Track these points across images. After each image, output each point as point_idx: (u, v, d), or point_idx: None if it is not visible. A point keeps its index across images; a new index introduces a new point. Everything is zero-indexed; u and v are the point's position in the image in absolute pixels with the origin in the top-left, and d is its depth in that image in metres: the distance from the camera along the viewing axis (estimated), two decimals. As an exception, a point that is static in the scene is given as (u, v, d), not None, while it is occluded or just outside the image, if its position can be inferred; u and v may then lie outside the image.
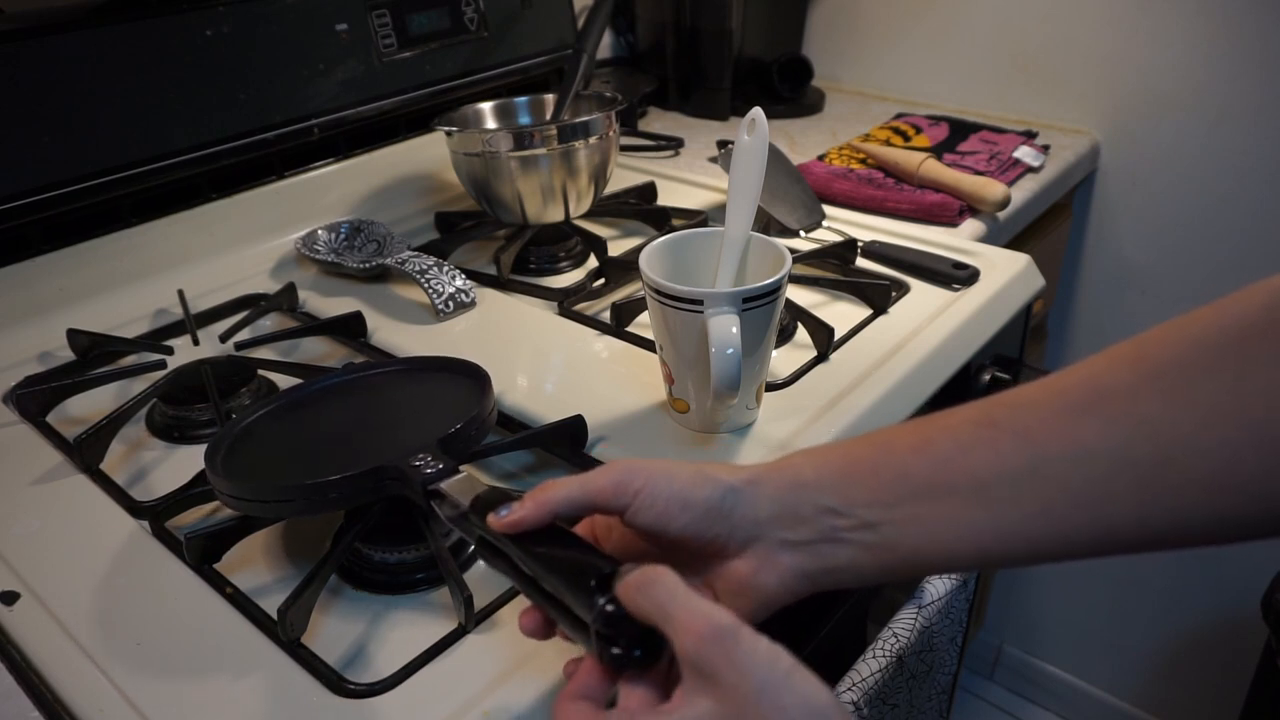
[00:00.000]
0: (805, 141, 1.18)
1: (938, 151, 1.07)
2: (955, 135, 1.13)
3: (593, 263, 0.85)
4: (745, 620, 0.33)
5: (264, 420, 0.56)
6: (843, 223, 0.90)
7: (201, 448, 0.63)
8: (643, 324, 0.73)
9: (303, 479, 0.48)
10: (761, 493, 0.39)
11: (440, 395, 0.57)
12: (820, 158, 1.07)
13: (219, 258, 0.85)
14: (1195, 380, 0.34)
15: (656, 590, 0.34)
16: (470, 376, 0.58)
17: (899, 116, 1.21)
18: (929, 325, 0.72)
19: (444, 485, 0.44)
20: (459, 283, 0.78)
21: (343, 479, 0.47)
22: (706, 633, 0.32)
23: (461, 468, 0.46)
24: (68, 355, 0.73)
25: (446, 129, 0.83)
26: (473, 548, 0.53)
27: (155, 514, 0.55)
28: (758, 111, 0.58)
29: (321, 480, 0.47)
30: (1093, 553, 0.36)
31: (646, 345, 0.71)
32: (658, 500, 0.38)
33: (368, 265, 0.81)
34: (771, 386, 0.65)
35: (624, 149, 1.13)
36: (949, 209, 0.92)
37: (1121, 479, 0.34)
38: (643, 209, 0.92)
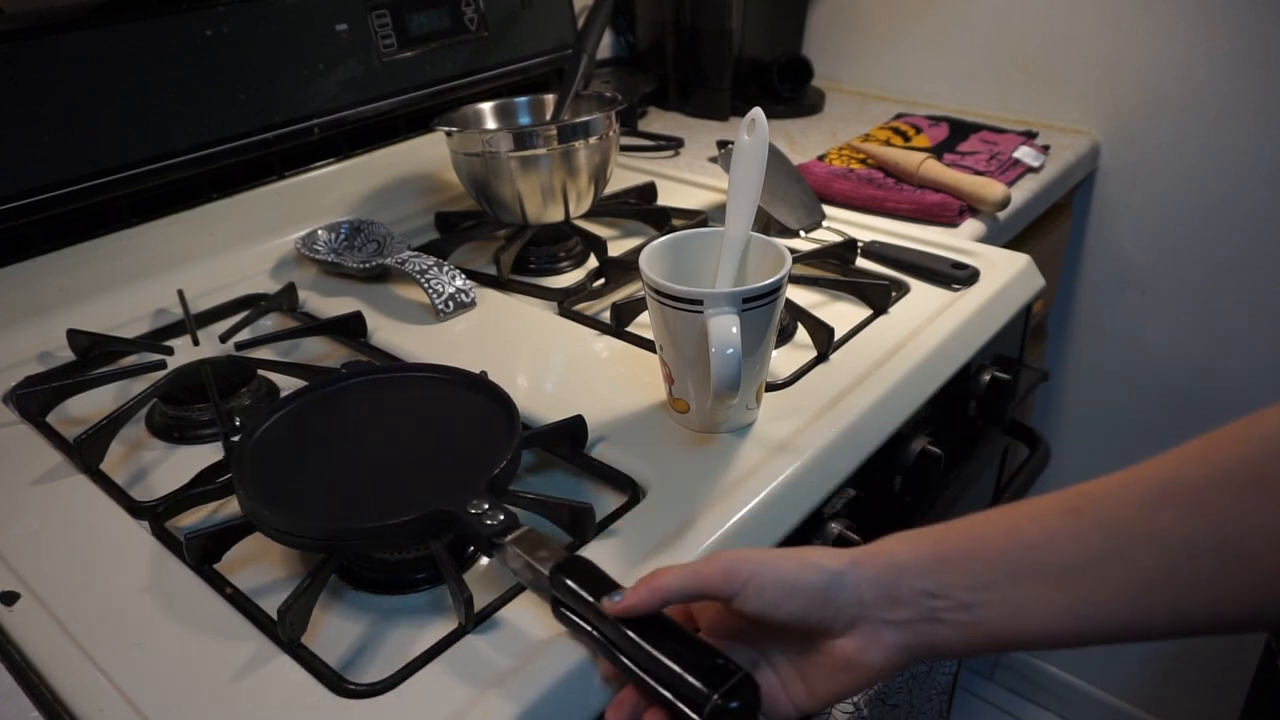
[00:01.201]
0: (805, 141, 1.18)
1: (938, 151, 1.07)
2: (955, 135, 1.13)
3: (593, 263, 0.85)
4: (852, 691, 0.40)
5: (280, 429, 0.55)
6: (843, 223, 0.90)
7: (202, 448, 0.63)
8: (643, 324, 0.73)
9: (354, 518, 0.48)
10: (863, 576, 0.41)
11: (464, 414, 0.56)
12: (820, 158, 1.07)
13: (219, 258, 0.85)
14: (1263, 476, 0.36)
15: None
16: (488, 395, 0.57)
17: (899, 116, 1.21)
18: (929, 325, 0.72)
19: (509, 539, 0.45)
20: (459, 283, 0.78)
21: (400, 524, 0.47)
22: None
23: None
24: (68, 355, 0.73)
25: (446, 129, 0.83)
26: (472, 549, 0.53)
27: (155, 514, 0.55)
28: (758, 111, 0.58)
29: (381, 524, 0.47)
30: (1172, 634, 0.38)
31: (646, 345, 0.71)
32: (766, 589, 0.41)
33: (368, 265, 0.81)
34: (771, 386, 0.65)
35: (624, 149, 1.13)
36: (949, 209, 0.92)
37: (1195, 567, 0.37)
38: (643, 209, 0.92)
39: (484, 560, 0.53)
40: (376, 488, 0.51)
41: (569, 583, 0.43)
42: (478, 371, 0.60)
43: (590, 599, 0.42)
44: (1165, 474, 0.39)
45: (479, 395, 0.58)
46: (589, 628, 0.43)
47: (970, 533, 0.41)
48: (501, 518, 0.47)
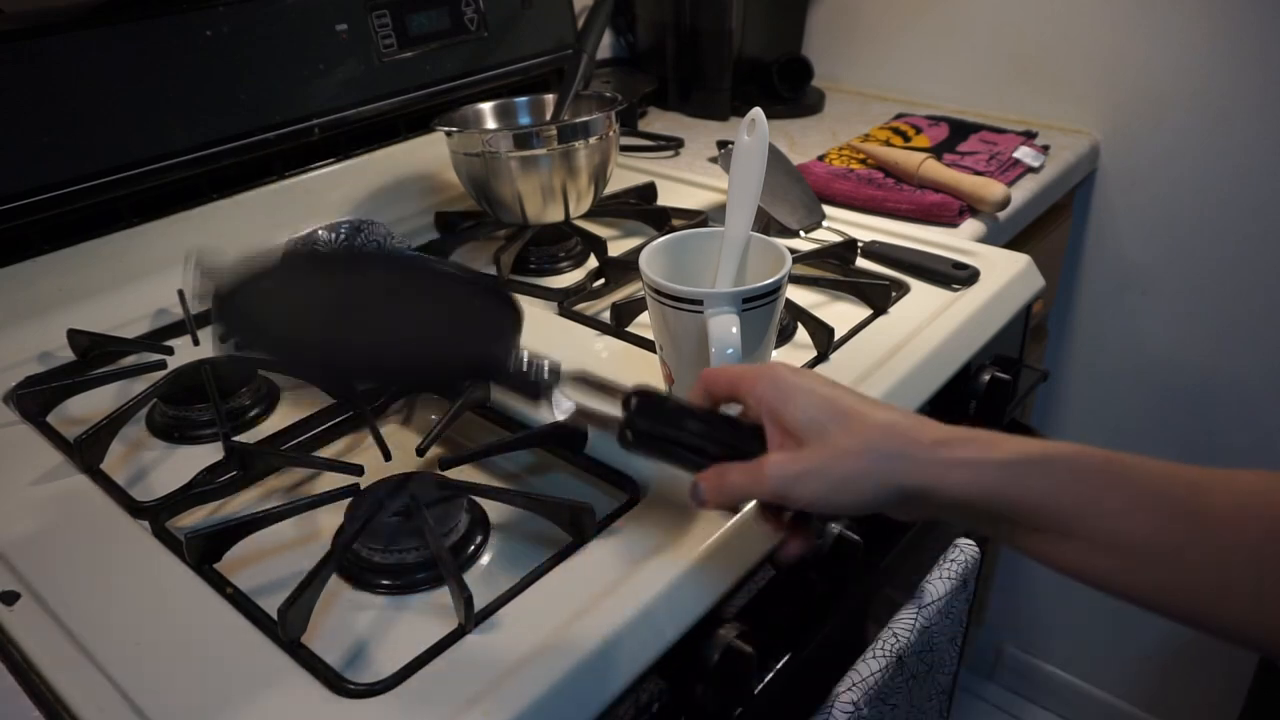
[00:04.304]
0: (805, 141, 1.18)
1: (938, 151, 1.07)
2: (955, 135, 1.13)
3: (593, 263, 0.85)
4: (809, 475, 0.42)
5: (282, 275, 0.52)
6: (843, 223, 0.90)
7: (202, 448, 0.63)
8: (643, 324, 0.73)
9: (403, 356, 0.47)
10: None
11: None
12: (820, 158, 1.07)
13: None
14: None
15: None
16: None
17: (899, 117, 1.21)
18: (929, 325, 0.72)
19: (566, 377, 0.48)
20: (459, 283, 0.78)
21: (447, 363, 0.46)
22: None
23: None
24: (68, 355, 0.73)
25: (446, 129, 0.83)
26: (473, 549, 0.53)
27: (155, 514, 0.55)
28: (758, 112, 0.58)
29: (435, 359, 0.47)
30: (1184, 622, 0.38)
31: (646, 345, 0.71)
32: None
33: (368, 265, 0.81)
34: (771, 386, 0.65)
35: (624, 149, 1.13)
36: (949, 209, 0.92)
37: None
38: (643, 209, 0.92)
39: (484, 560, 0.53)
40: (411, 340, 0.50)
41: (646, 404, 0.46)
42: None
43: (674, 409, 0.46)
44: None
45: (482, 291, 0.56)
46: (666, 441, 0.46)
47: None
48: (547, 362, 0.47)
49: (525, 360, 0.48)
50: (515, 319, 0.51)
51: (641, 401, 0.46)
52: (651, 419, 0.46)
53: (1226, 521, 0.36)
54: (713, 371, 0.47)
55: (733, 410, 0.48)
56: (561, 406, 0.47)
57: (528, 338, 0.73)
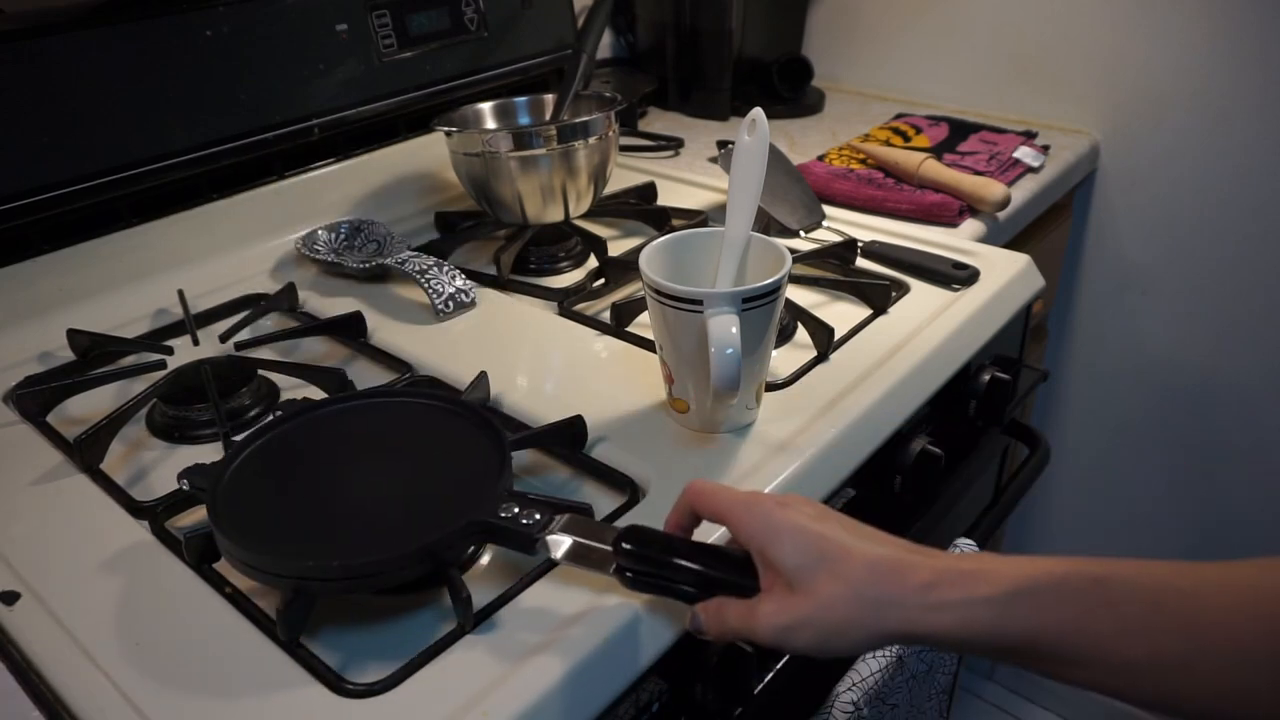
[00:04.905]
0: (805, 141, 1.18)
1: (938, 151, 1.07)
2: (955, 135, 1.13)
3: (593, 263, 0.85)
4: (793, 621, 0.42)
5: (250, 468, 0.53)
6: (843, 223, 0.90)
7: (202, 448, 0.63)
8: (643, 324, 0.73)
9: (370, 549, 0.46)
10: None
11: (448, 442, 0.54)
12: (820, 158, 1.07)
13: (219, 258, 0.86)
14: None
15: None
16: (469, 419, 0.55)
17: (899, 117, 1.21)
18: (929, 325, 0.72)
19: (559, 528, 0.48)
20: (459, 283, 0.78)
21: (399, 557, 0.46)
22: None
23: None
24: (68, 355, 0.73)
25: (446, 129, 0.83)
26: (473, 549, 0.53)
27: (155, 514, 0.55)
28: (758, 112, 0.58)
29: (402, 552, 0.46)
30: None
31: (646, 345, 0.71)
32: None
33: (368, 265, 0.81)
34: (771, 386, 0.65)
35: (624, 149, 1.13)
36: (949, 209, 0.92)
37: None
38: (643, 209, 0.92)
39: (484, 560, 0.53)
40: (378, 521, 0.50)
41: (638, 546, 0.46)
42: (477, 372, 0.60)
43: (660, 555, 0.46)
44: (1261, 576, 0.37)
45: (461, 420, 0.56)
46: (662, 579, 0.47)
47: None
48: (538, 516, 0.47)
49: (514, 510, 0.48)
50: (499, 452, 0.52)
51: (632, 547, 0.46)
52: (644, 562, 0.47)
53: (1226, 628, 0.35)
54: (699, 492, 0.47)
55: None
56: (557, 549, 0.47)
57: (527, 339, 0.74)
